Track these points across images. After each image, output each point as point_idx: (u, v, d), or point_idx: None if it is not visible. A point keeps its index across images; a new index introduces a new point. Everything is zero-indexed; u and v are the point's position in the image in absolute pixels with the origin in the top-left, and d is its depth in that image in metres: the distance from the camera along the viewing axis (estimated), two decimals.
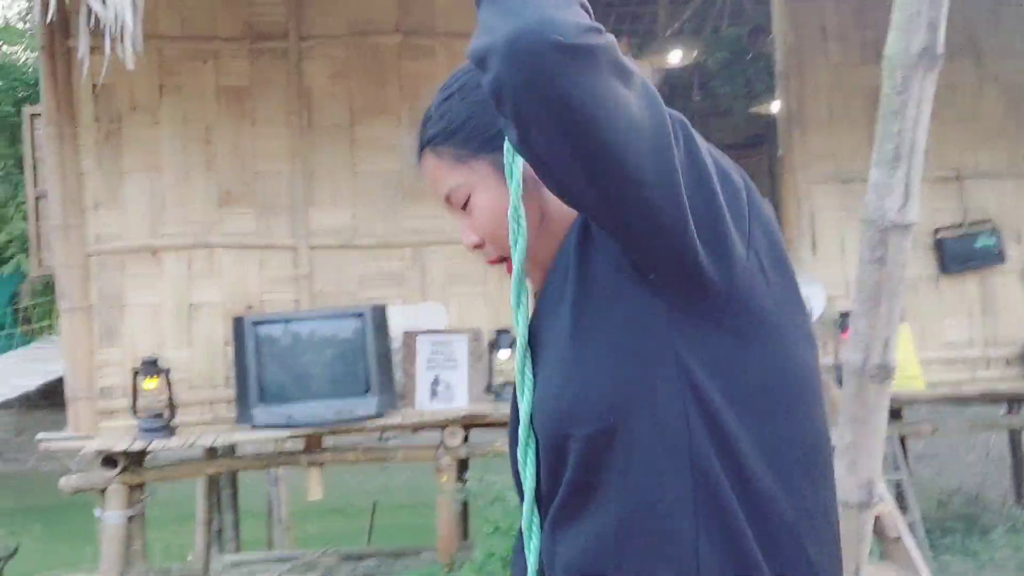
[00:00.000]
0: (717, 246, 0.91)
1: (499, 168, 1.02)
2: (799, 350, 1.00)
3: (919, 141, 1.71)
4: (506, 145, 0.99)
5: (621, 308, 0.96)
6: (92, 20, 3.37)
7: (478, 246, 1.09)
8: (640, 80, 0.86)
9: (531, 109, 0.83)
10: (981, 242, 4.81)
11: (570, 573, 0.99)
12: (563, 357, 0.98)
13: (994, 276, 4.85)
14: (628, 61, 0.86)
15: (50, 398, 10.30)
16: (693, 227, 0.89)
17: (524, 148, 0.87)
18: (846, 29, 4.80)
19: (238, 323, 4.09)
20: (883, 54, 1.71)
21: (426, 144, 1.08)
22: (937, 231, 4.78)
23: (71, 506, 7.38)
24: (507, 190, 1.00)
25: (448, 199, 1.08)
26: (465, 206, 1.07)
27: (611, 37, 0.85)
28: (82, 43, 3.43)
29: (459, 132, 1.05)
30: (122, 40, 3.33)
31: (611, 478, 0.96)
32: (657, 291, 0.94)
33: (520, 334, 1.04)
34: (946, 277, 4.82)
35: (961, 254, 4.79)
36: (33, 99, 11.11)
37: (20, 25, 13.18)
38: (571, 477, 0.98)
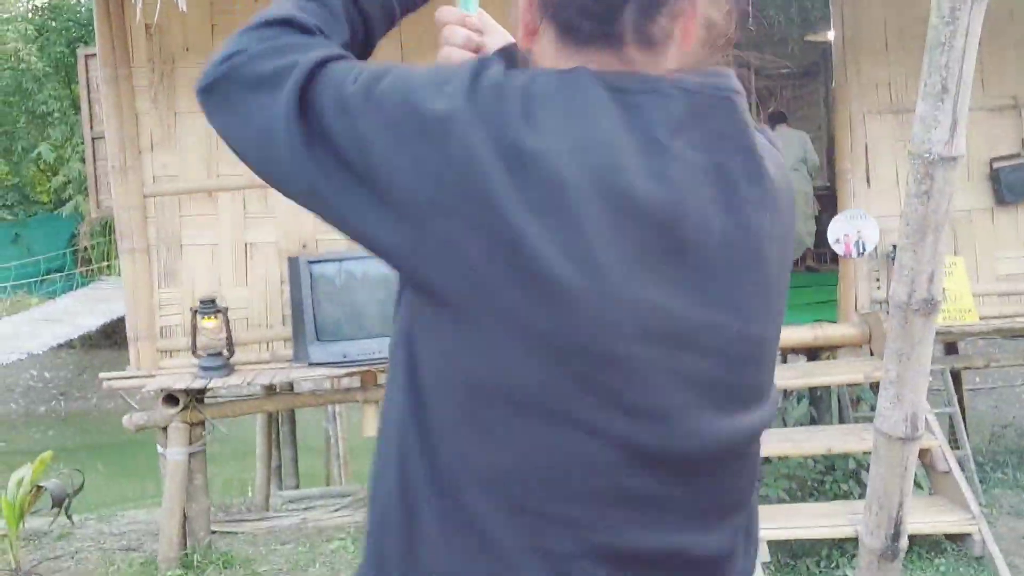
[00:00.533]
0: (382, 212, 0.82)
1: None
2: (506, 356, 0.81)
3: (967, 73, 1.68)
4: None
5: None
6: None
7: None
8: (277, 79, 0.87)
9: None
10: None
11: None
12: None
13: None
14: (282, 59, 0.88)
15: (111, 337, 10.64)
16: (342, 205, 0.85)
17: None
18: None
19: (293, 263, 4.19)
20: None
21: None
22: (993, 161, 4.67)
23: (133, 443, 7.66)
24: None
25: None
26: None
27: (259, 47, 0.90)
28: None
29: None
30: None
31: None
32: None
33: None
34: (1001, 208, 4.72)
35: (1018, 185, 4.66)
36: (87, 40, 11.25)
37: None
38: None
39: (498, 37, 1.05)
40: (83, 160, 11.08)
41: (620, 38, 0.87)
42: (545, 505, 0.83)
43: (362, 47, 1.00)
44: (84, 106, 5.79)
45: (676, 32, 0.87)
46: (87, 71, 5.75)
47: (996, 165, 4.67)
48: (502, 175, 0.79)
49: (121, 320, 9.82)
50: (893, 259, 4.48)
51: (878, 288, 4.61)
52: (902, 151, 4.58)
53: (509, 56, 0.89)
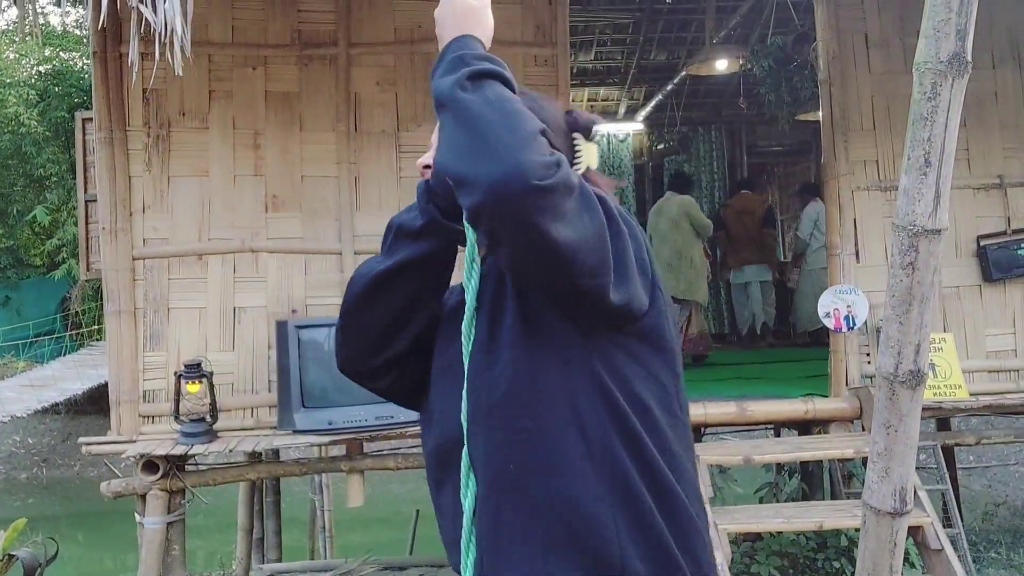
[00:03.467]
0: (640, 294, 1.22)
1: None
2: (683, 386, 1.31)
3: (949, 147, 1.71)
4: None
5: (550, 336, 1.22)
6: (143, 26, 3.47)
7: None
8: (581, 187, 1.13)
9: (507, 235, 1.09)
10: None
11: None
12: (505, 375, 1.22)
13: None
14: (571, 172, 1.12)
15: (98, 403, 10.49)
16: (614, 291, 1.17)
17: (491, 251, 1.19)
18: (888, 37, 4.76)
19: (281, 327, 4.16)
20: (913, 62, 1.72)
21: None
22: (980, 239, 4.73)
23: (115, 513, 7.48)
24: None
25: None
26: None
27: (560, 157, 1.10)
28: (132, 48, 3.52)
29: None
30: (171, 46, 3.42)
31: (534, 470, 1.21)
32: (577, 323, 1.22)
33: (469, 306, 1.27)
34: (989, 286, 4.76)
35: (1004, 262, 4.72)
36: (87, 105, 11.43)
37: (77, 32, 13.56)
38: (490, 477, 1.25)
39: None
40: (78, 223, 11.14)
41: None
42: (694, 478, 1.30)
43: None
44: (79, 169, 5.83)
45: None
46: (84, 134, 5.82)
47: (983, 243, 4.72)
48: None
49: (105, 386, 9.70)
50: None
51: (868, 363, 4.59)
52: (891, 227, 4.62)
53: None
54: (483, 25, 1.26)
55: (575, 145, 1.34)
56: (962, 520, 4.60)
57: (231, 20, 4.46)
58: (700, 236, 7.05)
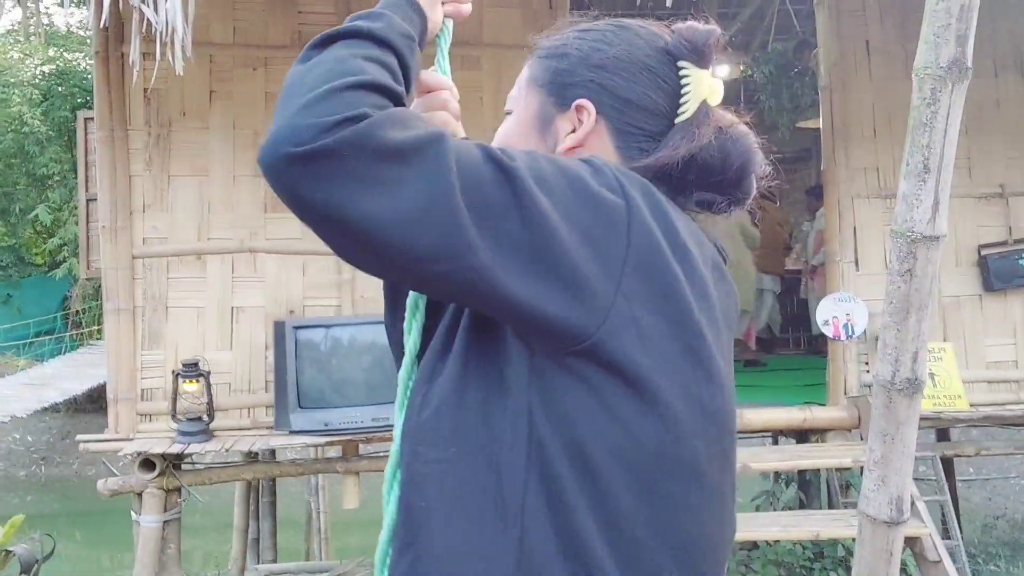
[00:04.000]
0: (561, 294, 0.85)
1: (539, 111, 1.07)
2: (682, 422, 0.89)
3: (948, 154, 1.71)
4: None
5: (494, 348, 0.92)
6: (144, 26, 3.47)
7: None
8: (420, 150, 0.81)
9: (295, 211, 0.82)
10: None
11: None
12: (439, 391, 0.95)
13: None
14: (410, 129, 0.82)
15: (97, 402, 10.50)
16: (509, 281, 0.83)
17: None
18: (889, 44, 4.75)
19: (279, 327, 4.15)
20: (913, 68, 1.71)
21: (533, 52, 1.13)
22: (981, 248, 4.71)
23: (112, 512, 7.46)
24: (528, 132, 1.07)
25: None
26: (506, 118, 1.13)
27: (378, 114, 0.81)
28: (134, 48, 3.54)
29: (549, 59, 1.09)
30: (172, 46, 3.42)
31: (432, 549, 0.91)
32: (520, 338, 0.90)
33: (409, 350, 1.04)
34: (990, 295, 4.74)
35: (1005, 272, 4.70)
36: (90, 105, 11.45)
37: (81, 33, 13.59)
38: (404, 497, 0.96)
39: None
40: (78, 222, 11.16)
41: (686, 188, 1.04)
42: (704, 565, 0.93)
43: None
44: (81, 168, 5.84)
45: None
46: (86, 133, 5.83)
47: (984, 252, 4.71)
48: (676, 265, 0.90)
49: (105, 386, 9.72)
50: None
51: (867, 371, 4.57)
52: (890, 234, 4.62)
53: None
54: None
55: (682, 76, 1.05)
56: (961, 532, 4.57)
57: (232, 21, 4.47)
58: (750, 246, 7.25)
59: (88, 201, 5.75)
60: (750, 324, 7.34)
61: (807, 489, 4.96)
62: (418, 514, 0.93)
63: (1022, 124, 4.83)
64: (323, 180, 0.79)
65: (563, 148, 1.03)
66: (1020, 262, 4.70)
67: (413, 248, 0.81)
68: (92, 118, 5.86)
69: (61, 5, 9.62)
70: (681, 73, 1.05)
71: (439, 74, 1.12)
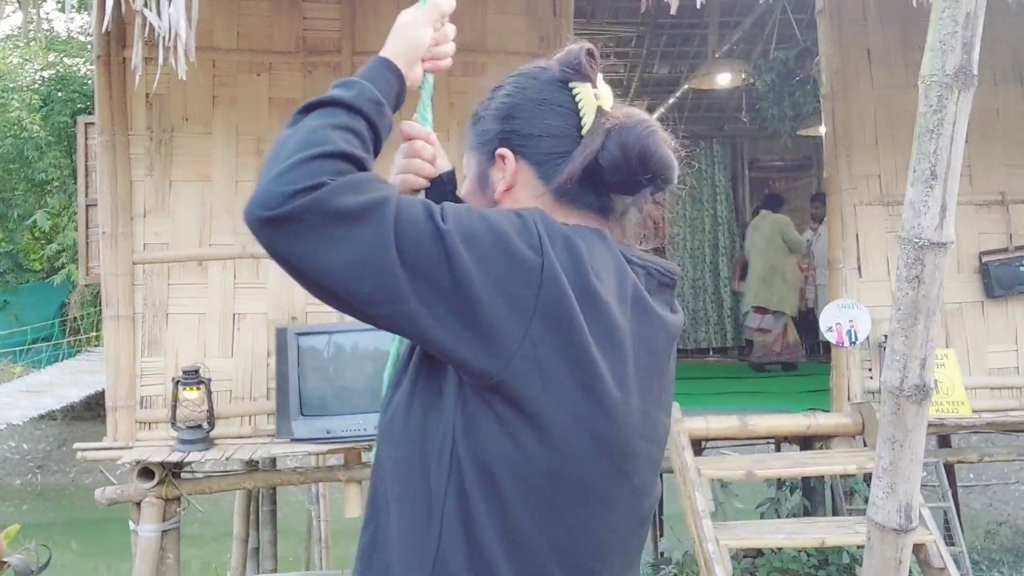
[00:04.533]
0: (473, 340, 1.01)
1: (477, 171, 1.26)
2: (570, 447, 1.06)
3: (955, 160, 1.71)
4: None
5: (438, 369, 1.09)
6: (147, 30, 3.46)
7: None
8: (364, 212, 0.98)
9: (273, 259, 1.02)
10: None
11: None
12: (398, 398, 1.14)
13: None
14: (360, 194, 0.99)
15: (95, 410, 10.44)
16: (431, 326, 1.01)
17: None
18: (891, 52, 4.76)
19: (281, 334, 4.13)
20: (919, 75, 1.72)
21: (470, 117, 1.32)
22: (983, 255, 4.72)
23: (110, 521, 7.41)
24: (477, 191, 1.26)
25: None
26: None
27: (335, 182, 0.99)
28: (136, 52, 3.52)
29: (475, 124, 1.28)
30: (175, 51, 3.41)
31: (387, 529, 1.11)
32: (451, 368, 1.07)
33: (391, 358, 1.25)
34: (991, 302, 4.75)
35: (1007, 279, 4.71)
36: (90, 110, 11.42)
37: (81, 38, 13.56)
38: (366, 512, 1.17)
39: (443, 159, 1.34)
40: (77, 228, 11.10)
41: (609, 214, 1.21)
42: (593, 563, 1.11)
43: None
44: (81, 173, 5.83)
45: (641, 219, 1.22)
46: (86, 138, 5.82)
47: (985, 259, 4.71)
48: (581, 316, 1.04)
49: (103, 393, 9.64)
50: (885, 349, 4.47)
51: (871, 378, 4.58)
52: (893, 242, 4.63)
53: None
54: (395, 42, 1.25)
55: (575, 96, 1.20)
56: (964, 539, 4.55)
57: (236, 26, 4.45)
58: (793, 252, 7.59)
59: (88, 206, 5.74)
60: (785, 328, 7.49)
61: (811, 496, 4.94)
62: (379, 498, 1.14)
63: (1022, 132, 4.84)
64: (287, 238, 0.98)
65: (499, 192, 1.21)
66: (1021, 269, 4.71)
67: (356, 294, 1.00)
68: (92, 123, 5.84)
69: (62, 10, 9.64)
70: (573, 93, 1.20)
71: (418, 124, 1.30)
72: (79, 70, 13.39)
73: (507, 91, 1.24)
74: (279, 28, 4.48)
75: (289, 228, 0.97)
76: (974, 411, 4.55)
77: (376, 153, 1.13)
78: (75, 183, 11.12)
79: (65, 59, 13.46)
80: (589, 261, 1.07)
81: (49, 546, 4.80)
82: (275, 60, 4.46)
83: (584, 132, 1.18)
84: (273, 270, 4.41)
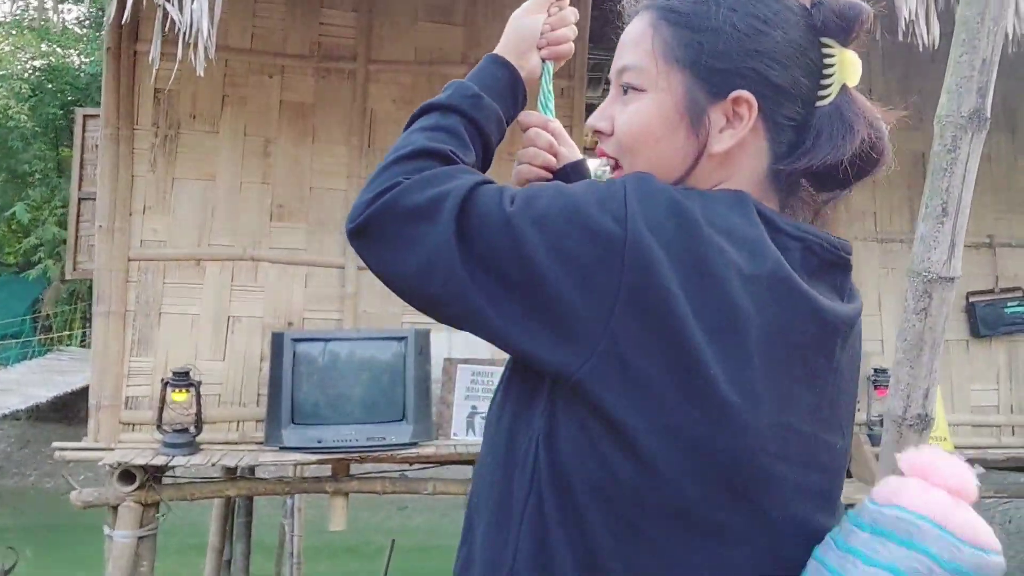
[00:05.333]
0: (546, 334, 0.86)
1: (689, 99, 0.97)
2: (664, 465, 0.85)
3: (965, 199, 1.79)
4: None
5: (531, 374, 0.95)
6: (168, 25, 3.44)
7: (600, 132, 1.05)
8: (430, 209, 0.90)
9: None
10: (1011, 308, 4.88)
11: None
12: (494, 404, 1.04)
13: (1022, 343, 4.90)
14: (430, 189, 0.92)
15: (62, 411, 10.20)
16: (500, 323, 0.88)
17: None
18: (891, 94, 4.87)
19: (277, 338, 4.08)
20: (935, 115, 1.79)
21: (655, 8, 1.01)
22: (970, 295, 4.84)
23: (71, 527, 7.20)
24: (676, 123, 0.97)
25: (620, 72, 1.02)
26: (627, 92, 1.02)
27: (407, 181, 0.93)
28: (155, 47, 3.50)
29: (693, 31, 0.98)
30: (196, 47, 3.40)
31: (473, 548, 0.99)
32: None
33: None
34: (976, 341, 4.87)
35: (992, 319, 4.84)
36: (82, 103, 11.23)
37: (77, 30, 13.37)
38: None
39: (570, 148, 1.21)
40: (59, 223, 10.87)
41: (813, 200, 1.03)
42: None
43: (484, 164, 1.08)
44: (76, 166, 5.77)
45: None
46: (84, 131, 5.76)
47: (972, 299, 4.84)
48: (683, 299, 0.83)
49: (75, 394, 9.42)
50: (874, 382, 4.54)
51: (858, 411, 4.64)
52: (886, 277, 4.75)
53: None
54: (505, 35, 1.16)
55: (826, 56, 0.99)
56: None
57: (251, 27, 4.44)
58: None
59: (81, 200, 5.67)
60: None
61: None
62: (472, 512, 1.02)
63: (1010, 180, 5.01)
64: (367, 247, 0.94)
65: (720, 149, 0.97)
66: (1006, 310, 4.84)
67: (426, 295, 0.92)
68: (92, 115, 5.80)
69: (61, 0, 9.49)
70: (825, 51, 0.98)
71: (536, 113, 1.18)
72: (73, 62, 13.21)
73: (762, 15, 0.97)
74: (294, 32, 4.48)
75: (366, 236, 0.93)
76: (956, 447, 4.64)
77: (484, 145, 1.06)
78: (60, 177, 10.95)
79: (58, 49, 13.26)
80: (706, 225, 0.86)
81: (15, 548, 4.68)
82: (288, 63, 4.46)
83: (820, 103, 0.98)
84: (272, 273, 4.39)
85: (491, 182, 0.95)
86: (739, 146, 0.97)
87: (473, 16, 4.58)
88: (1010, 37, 3.80)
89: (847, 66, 0.98)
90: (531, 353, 0.88)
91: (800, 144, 0.97)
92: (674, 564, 0.87)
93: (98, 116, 5.43)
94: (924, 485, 0.87)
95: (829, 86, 0.98)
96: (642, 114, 0.99)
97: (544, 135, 1.17)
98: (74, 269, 5.81)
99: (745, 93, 0.95)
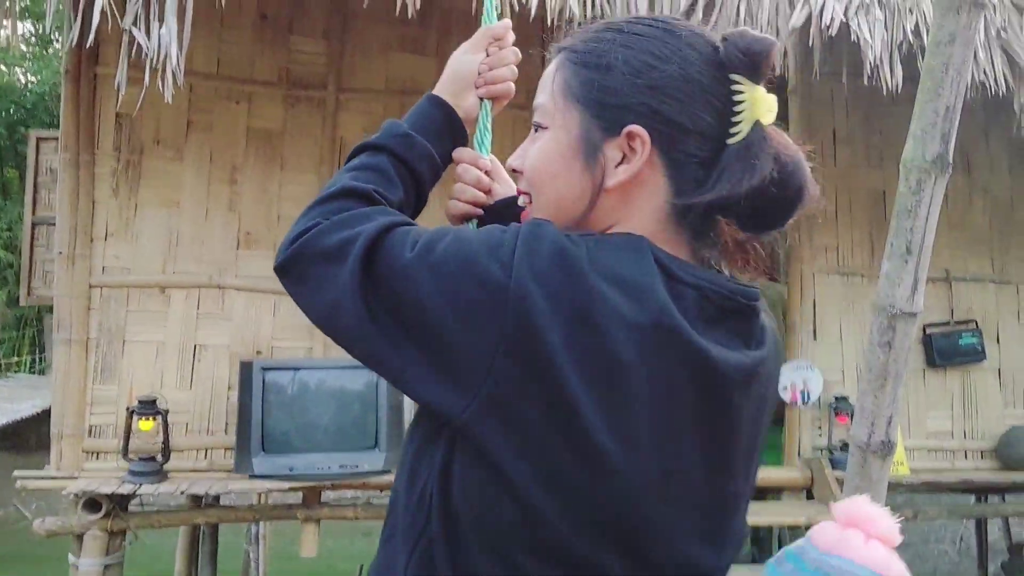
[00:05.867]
0: (435, 377, 0.88)
1: (583, 135, 0.98)
2: (540, 505, 0.87)
3: (928, 239, 1.87)
4: None
5: None
6: (134, 50, 3.37)
7: (515, 170, 1.08)
8: (340, 251, 0.94)
9: None
10: (965, 340, 5.05)
11: None
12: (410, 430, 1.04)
13: (974, 373, 5.09)
14: (343, 231, 0.96)
15: (11, 439, 9.85)
16: (397, 366, 0.91)
17: None
18: (854, 134, 5.05)
19: (245, 367, 4.03)
20: (892, 164, 1.87)
21: (562, 50, 1.04)
22: (926, 327, 5.00)
23: (24, 555, 6.97)
24: (572, 159, 0.99)
25: (532, 111, 1.05)
26: (536, 131, 1.04)
27: (323, 224, 0.97)
28: (121, 71, 3.40)
29: (589, 69, 0.99)
30: (163, 73, 3.34)
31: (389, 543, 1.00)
32: None
33: None
34: (932, 371, 5.03)
35: (947, 350, 5.01)
36: (29, 124, 10.90)
37: (22, 48, 12.99)
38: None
39: (504, 186, 1.21)
40: (5, 246, 10.52)
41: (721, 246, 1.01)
42: None
43: (416, 202, 1.11)
44: (29, 190, 5.62)
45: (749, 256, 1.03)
46: (37, 154, 5.63)
47: (929, 331, 4.99)
48: (562, 345, 0.84)
49: (23, 422, 9.12)
50: (835, 409, 4.66)
51: (820, 436, 4.77)
52: (847, 310, 4.89)
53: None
54: (443, 75, 1.19)
55: (735, 92, 0.96)
56: None
57: (218, 51, 4.38)
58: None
59: (35, 224, 5.54)
60: None
61: (759, 545, 5.07)
62: (386, 528, 1.02)
63: (965, 218, 5.20)
64: (289, 285, 1.00)
65: (615, 183, 0.97)
66: (960, 342, 5.02)
67: (335, 333, 0.96)
68: (45, 138, 5.66)
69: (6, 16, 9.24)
70: (734, 88, 0.96)
71: (468, 149, 1.18)
72: (19, 80, 12.84)
73: (658, 51, 0.97)
74: (262, 58, 4.44)
75: (287, 275, 0.99)
76: (912, 471, 4.78)
77: (415, 183, 1.09)
78: (4, 199, 10.61)
79: (2, 67, 12.88)
80: (592, 273, 0.86)
81: None
82: (256, 90, 4.41)
83: (731, 140, 0.95)
84: (238, 302, 4.33)
85: (408, 223, 0.97)
86: (636, 182, 0.97)
87: (445, 46, 4.60)
88: (968, 84, 3.96)
89: (758, 103, 0.96)
90: (423, 395, 0.90)
91: (706, 181, 0.95)
92: None
93: (53, 139, 5.32)
94: (863, 537, 0.93)
95: (739, 123, 0.96)
96: (543, 151, 1.02)
97: (472, 171, 1.17)
98: (28, 295, 5.66)
99: (636, 128, 0.95)
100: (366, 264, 0.91)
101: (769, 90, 0.97)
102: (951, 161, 1.84)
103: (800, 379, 4.61)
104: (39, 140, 5.68)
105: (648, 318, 0.86)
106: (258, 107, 4.41)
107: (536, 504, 0.86)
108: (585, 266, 0.86)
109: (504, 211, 1.15)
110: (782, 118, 1.01)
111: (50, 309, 4.86)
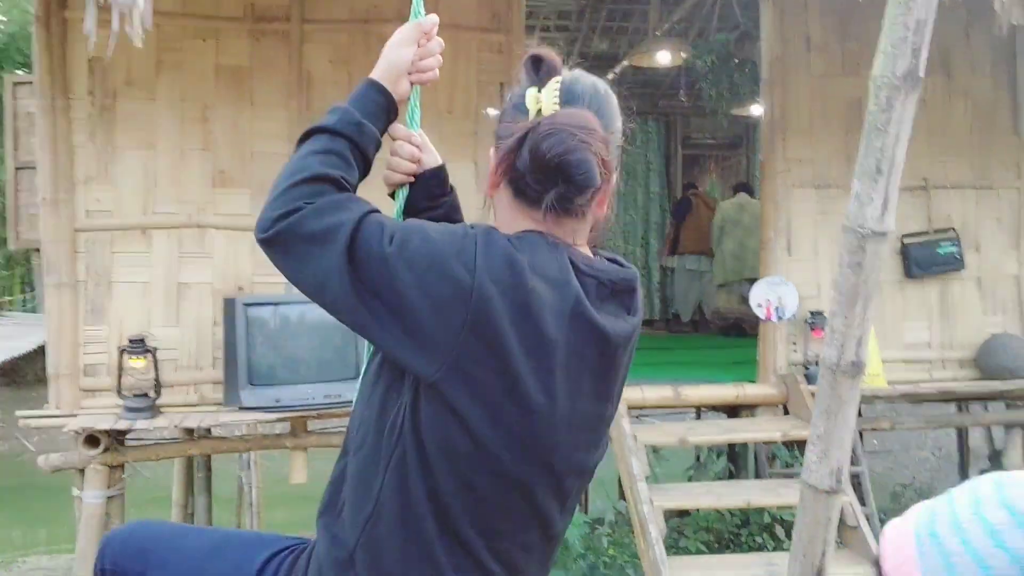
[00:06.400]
0: (413, 347, 1.20)
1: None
2: (488, 440, 1.23)
3: (899, 157, 1.85)
4: None
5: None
6: None
7: None
8: (327, 235, 1.20)
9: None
10: (943, 249, 5.01)
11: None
12: (365, 379, 1.36)
13: (953, 282, 5.08)
14: (327, 217, 1.22)
15: (10, 375, 10.05)
16: (379, 334, 1.21)
17: None
18: (828, 41, 4.95)
19: (229, 304, 4.14)
20: (868, 71, 1.86)
21: None
22: (903, 237, 4.98)
23: (28, 487, 7.17)
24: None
25: None
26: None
27: (308, 207, 1.23)
28: (89, 16, 3.41)
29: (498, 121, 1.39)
30: (131, 16, 3.34)
31: (351, 463, 1.33)
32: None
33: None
34: (910, 281, 5.03)
35: (925, 260, 4.99)
36: (3, 64, 10.75)
37: None
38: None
39: (430, 156, 1.52)
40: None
41: (548, 208, 1.29)
42: (502, 524, 1.30)
43: (363, 173, 1.38)
44: (9, 135, 5.64)
45: (590, 208, 1.32)
46: (14, 98, 5.64)
47: (906, 241, 4.99)
48: (510, 329, 1.19)
49: (20, 359, 9.30)
50: (810, 324, 4.72)
51: (795, 351, 4.83)
52: (823, 223, 4.88)
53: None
54: (380, 63, 1.43)
55: (527, 99, 1.35)
56: (873, 500, 4.87)
57: None
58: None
59: (17, 169, 5.59)
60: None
61: (735, 460, 5.21)
62: (349, 441, 1.35)
63: (945, 123, 5.10)
64: (275, 255, 1.25)
65: (490, 185, 1.35)
66: (938, 251, 5.00)
67: (322, 302, 1.23)
68: (21, 83, 5.66)
69: None
70: (527, 96, 1.34)
71: (402, 127, 1.47)
72: None
73: (510, 96, 1.40)
74: None
75: (275, 248, 1.24)
76: (889, 382, 4.85)
77: (364, 164, 1.36)
78: None
79: None
80: (530, 276, 1.20)
81: None
82: (222, 26, 4.40)
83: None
84: (218, 240, 4.41)
85: (374, 210, 1.25)
86: (497, 187, 1.33)
87: None
88: None
89: (532, 101, 1.31)
90: (403, 360, 1.22)
91: None
92: (492, 500, 1.27)
93: (28, 83, 5.32)
94: None
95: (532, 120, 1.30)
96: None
97: (407, 147, 1.47)
98: (17, 239, 5.74)
99: (492, 148, 1.36)
100: (351, 250, 1.19)
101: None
102: (921, 76, 1.81)
103: (775, 295, 4.66)
104: (15, 85, 5.67)
105: (567, 306, 1.23)
106: (225, 43, 4.41)
107: (486, 438, 1.22)
108: (526, 267, 1.20)
109: (430, 179, 1.50)
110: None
111: (38, 250, 4.94)
